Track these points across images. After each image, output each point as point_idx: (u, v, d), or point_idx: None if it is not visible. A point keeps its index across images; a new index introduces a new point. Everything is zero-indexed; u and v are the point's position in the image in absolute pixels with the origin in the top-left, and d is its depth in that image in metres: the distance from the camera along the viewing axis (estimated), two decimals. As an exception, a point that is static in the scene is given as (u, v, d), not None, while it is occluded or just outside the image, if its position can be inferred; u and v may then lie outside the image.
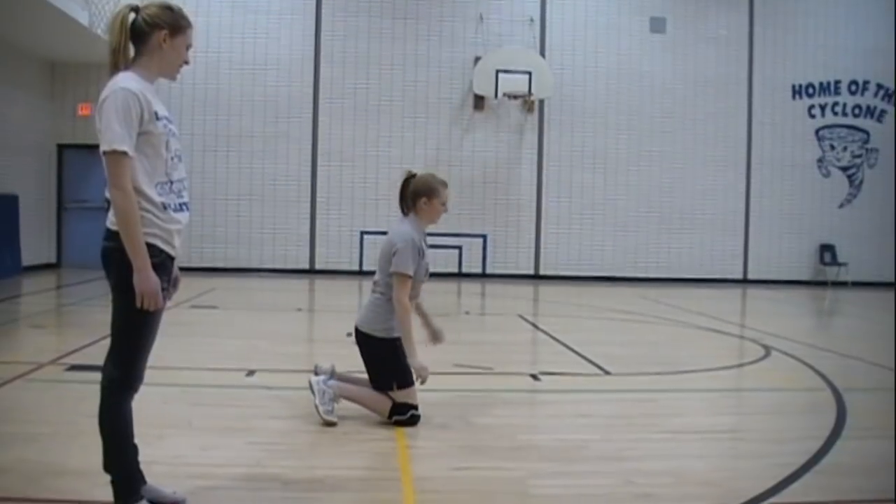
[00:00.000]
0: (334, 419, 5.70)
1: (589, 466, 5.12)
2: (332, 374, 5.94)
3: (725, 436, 5.73)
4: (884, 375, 8.52)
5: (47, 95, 19.11)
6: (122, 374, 3.80)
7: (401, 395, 5.77)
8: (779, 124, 21.98)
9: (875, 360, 9.35)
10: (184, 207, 3.90)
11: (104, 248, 3.75)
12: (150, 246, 3.68)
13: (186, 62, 3.96)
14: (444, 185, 5.98)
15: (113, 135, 3.60)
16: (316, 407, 5.72)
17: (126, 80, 3.70)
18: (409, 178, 6.01)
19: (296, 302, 15.00)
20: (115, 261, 3.71)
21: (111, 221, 3.72)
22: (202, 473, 4.56)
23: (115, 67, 3.77)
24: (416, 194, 5.94)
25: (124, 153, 3.60)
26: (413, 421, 5.78)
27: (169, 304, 4.02)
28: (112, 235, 3.71)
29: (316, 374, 5.93)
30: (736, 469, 5.10)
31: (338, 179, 20.45)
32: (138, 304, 3.65)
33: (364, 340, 5.90)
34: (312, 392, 5.79)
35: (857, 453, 5.40)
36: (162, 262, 3.75)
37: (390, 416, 5.80)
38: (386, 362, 5.82)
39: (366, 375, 6.02)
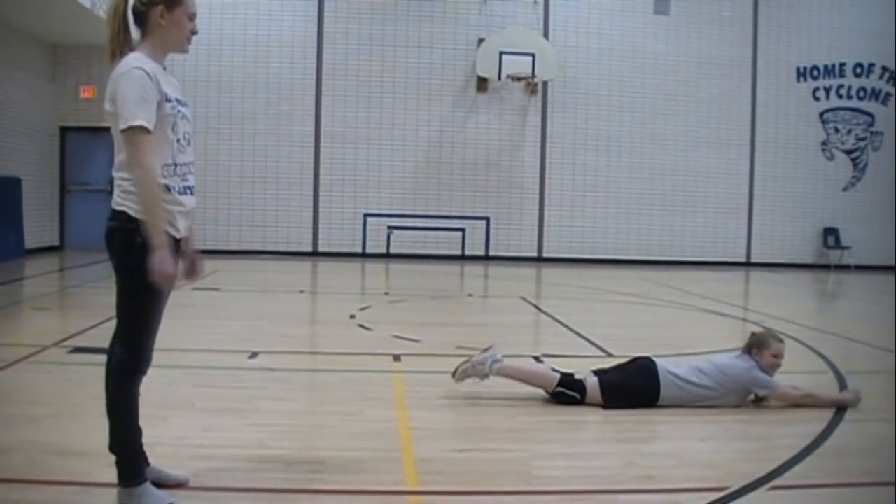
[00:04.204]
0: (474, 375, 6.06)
1: (591, 448, 5.14)
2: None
3: (727, 418, 5.73)
4: (886, 358, 8.52)
5: (49, 77, 19.08)
6: (130, 356, 3.79)
7: None
8: (783, 106, 21.93)
9: (877, 343, 9.35)
10: (188, 191, 3.86)
11: (108, 227, 3.74)
12: None
13: (194, 32, 3.91)
14: (779, 339, 6.30)
15: (131, 112, 3.57)
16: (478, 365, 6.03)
17: (137, 61, 3.69)
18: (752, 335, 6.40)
19: (299, 284, 15.01)
20: (119, 241, 3.70)
21: (116, 202, 3.71)
22: (204, 455, 4.57)
23: (112, 56, 3.76)
24: (750, 346, 6.24)
25: (143, 129, 3.58)
26: (573, 400, 5.93)
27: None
28: (116, 215, 3.70)
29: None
30: (738, 451, 5.10)
31: (341, 161, 20.42)
32: (155, 282, 3.62)
33: None
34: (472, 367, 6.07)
35: (859, 436, 5.41)
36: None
37: (554, 389, 5.97)
38: None
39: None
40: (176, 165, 3.80)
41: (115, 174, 3.75)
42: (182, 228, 3.84)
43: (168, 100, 3.74)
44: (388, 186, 20.56)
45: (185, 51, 3.96)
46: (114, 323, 3.83)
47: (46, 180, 19.11)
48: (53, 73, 19.22)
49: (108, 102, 3.69)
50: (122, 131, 3.59)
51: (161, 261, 3.58)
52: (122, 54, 3.75)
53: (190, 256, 4.10)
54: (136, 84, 3.61)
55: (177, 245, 3.85)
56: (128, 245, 3.67)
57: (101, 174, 18.57)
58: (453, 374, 6.05)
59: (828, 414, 5.82)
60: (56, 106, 19.20)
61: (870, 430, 5.55)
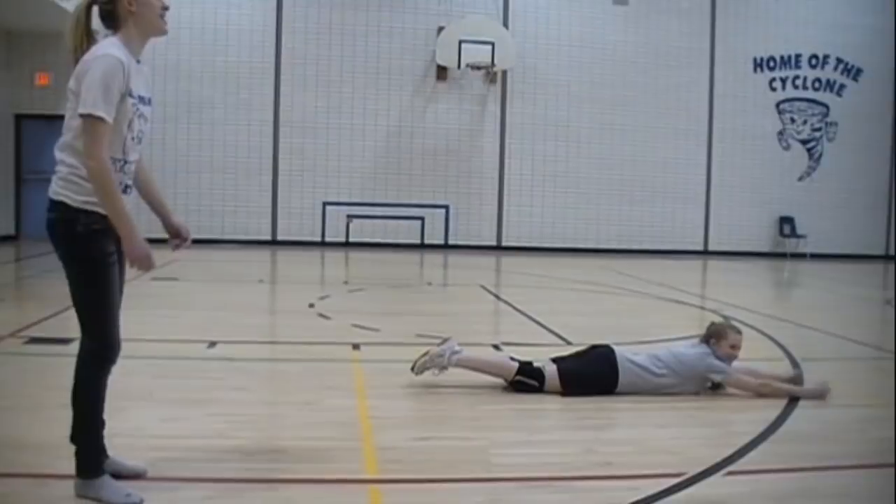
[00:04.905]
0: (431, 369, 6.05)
1: (550, 435, 5.17)
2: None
3: (685, 405, 5.78)
4: (840, 345, 8.67)
5: (4, 65, 18.80)
6: (98, 345, 3.75)
7: None
8: (740, 97, 22.12)
9: (832, 330, 9.48)
10: (128, 190, 3.83)
11: (48, 219, 3.69)
12: (92, 213, 3.62)
13: (165, 8, 3.81)
14: (737, 330, 6.35)
15: (93, 100, 3.50)
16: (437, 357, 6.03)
17: (113, 48, 3.62)
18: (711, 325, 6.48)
19: (257, 273, 14.94)
20: (61, 232, 3.66)
21: (54, 191, 3.66)
22: (163, 445, 4.54)
23: (77, 63, 3.66)
24: (709, 336, 6.28)
25: (102, 119, 3.52)
26: (532, 388, 5.94)
27: (127, 276, 3.99)
28: (55, 206, 3.65)
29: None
30: (695, 437, 5.15)
31: (300, 149, 20.34)
32: (134, 269, 3.66)
33: None
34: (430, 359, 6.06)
35: (813, 421, 5.48)
36: (106, 227, 3.66)
37: (513, 378, 5.99)
38: None
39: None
40: (125, 163, 3.75)
41: (58, 155, 3.69)
42: None
43: (131, 95, 3.67)
44: (347, 175, 20.49)
45: (164, 31, 3.85)
46: (71, 313, 3.79)
47: (1, 169, 18.86)
48: (7, 61, 18.92)
49: (73, 80, 3.61)
50: (81, 116, 3.53)
51: (134, 248, 3.62)
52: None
53: (175, 225, 4.19)
54: (106, 71, 3.54)
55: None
56: (70, 235, 3.63)
57: (54, 152, 18.32)
58: (412, 368, 6.06)
59: (783, 401, 5.89)
60: (11, 93, 18.91)
61: (824, 416, 5.63)
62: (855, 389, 6.61)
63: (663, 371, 5.99)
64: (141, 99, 3.76)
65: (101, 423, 3.85)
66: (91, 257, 3.65)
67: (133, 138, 3.76)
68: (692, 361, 6.03)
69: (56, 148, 3.70)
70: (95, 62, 3.56)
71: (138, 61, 3.78)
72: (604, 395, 5.87)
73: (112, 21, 3.75)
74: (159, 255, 3.72)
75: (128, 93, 3.64)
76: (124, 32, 3.74)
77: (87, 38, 3.72)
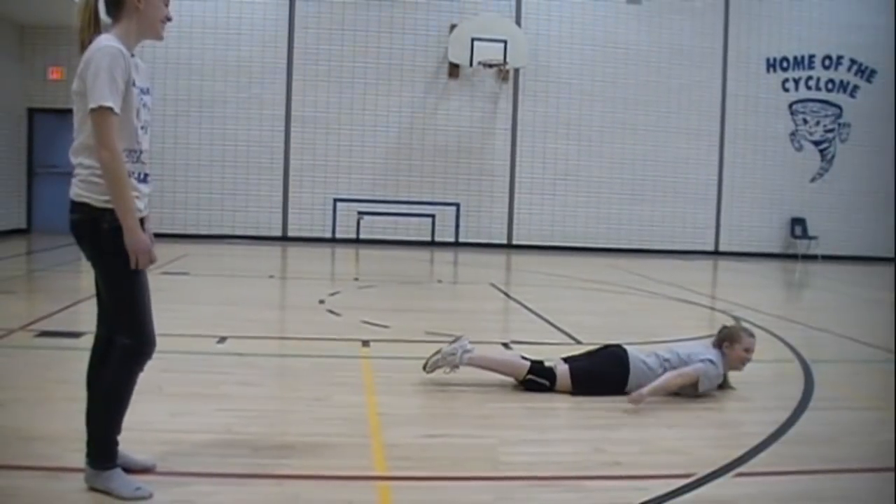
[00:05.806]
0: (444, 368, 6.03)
1: (559, 434, 5.16)
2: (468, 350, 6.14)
3: (694, 405, 5.77)
4: (851, 347, 8.64)
5: (17, 58, 18.82)
6: (135, 341, 3.78)
7: None
8: (752, 97, 22.03)
9: (843, 332, 9.45)
10: (146, 178, 3.86)
11: (72, 221, 3.71)
12: (112, 211, 3.64)
13: (169, 18, 3.87)
14: (750, 334, 6.30)
15: (100, 92, 3.53)
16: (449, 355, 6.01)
17: (112, 40, 3.64)
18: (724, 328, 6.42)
19: (268, 269, 14.94)
20: (87, 233, 3.69)
21: (76, 194, 3.68)
22: (172, 440, 4.55)
23: (82, 47, 3.69)
24: (722, 339, 6.24)
25: (111, 110, 3.54)
26: (542, 387, 5.95)
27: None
28: (78, 207, 3.68)
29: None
30: (704, 438, 5.14)
31: (311, 146, 20.33)
32: (132, 265, 3.65)
33: None
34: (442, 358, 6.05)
35: (823, 423, 5.47)
36: None
37: (524, 377, 5.99)
38: None
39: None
40: (140, 152, 3.79)
41: (74, 159, 3.72)
42: (142, 208, 3.82)
43: (134, 85, 3.71)
44: (358, 172, 20.49)
45: (160, 36, 3.90)
46: (80, 307, 3.80)
47: (14, 162, 18.88)
48: (21, 54, 18.95)
49: (77, 81, 3.64)
50: (91, 110, 3.55)
51: (135, 241, 3.62)
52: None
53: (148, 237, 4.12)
54: (110, 63, 3.56)
55: (141, 224, 3.82)
56: (96, 232, 3.66)
57: (69, 157, 18.35)
58: (424, 366, 6.05)
59: (793, 402, 5.88)
60: (24, 87, 18.93)
61: (834, 419, 5.62)
62: (864, 392, 6.60)
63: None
64: (142, 90, 3.80)
65: (123, 418, 3.88)
66: (120, 251, 3.67)
67: (142, 127, 3.80)
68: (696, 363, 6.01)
69: (71, 152, 3.72)
70: (96, 55, 3.59)
71: (132, 55, 3.80)
72: (613, 395, 5.86)
73: (116, 11, 3.78)
74: (170, 249, 3.72)
75: (132, 83, 3.68)
76: (123, 26, 3.77)
77: (95, 23, 3.74)
